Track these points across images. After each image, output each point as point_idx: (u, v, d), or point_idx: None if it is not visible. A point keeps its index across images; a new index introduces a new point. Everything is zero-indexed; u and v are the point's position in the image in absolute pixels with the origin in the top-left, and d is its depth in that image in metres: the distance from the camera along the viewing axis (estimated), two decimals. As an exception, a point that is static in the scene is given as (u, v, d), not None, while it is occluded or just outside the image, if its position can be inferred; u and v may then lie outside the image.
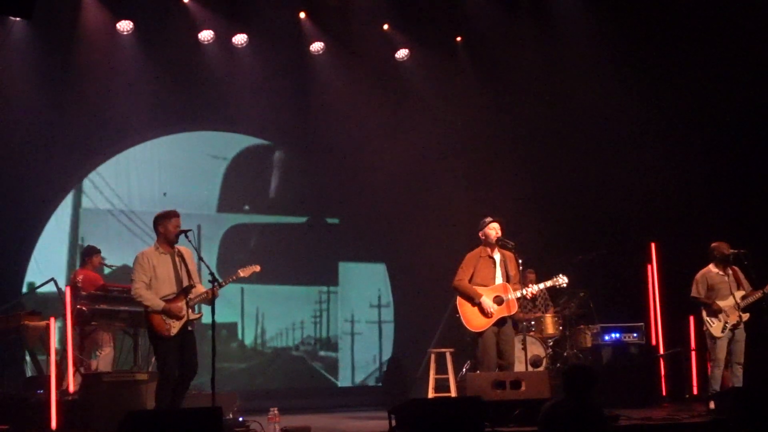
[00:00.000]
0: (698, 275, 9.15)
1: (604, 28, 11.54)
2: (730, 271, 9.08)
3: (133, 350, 9.31)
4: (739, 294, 8.96)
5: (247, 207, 12.87)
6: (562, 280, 8.63)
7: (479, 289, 8.36)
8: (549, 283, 8.69)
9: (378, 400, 11.71)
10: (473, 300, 8.33)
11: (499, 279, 8.45)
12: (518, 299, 8.41)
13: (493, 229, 8.47)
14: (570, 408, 5.89)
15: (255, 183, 12.97)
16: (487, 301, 8.29)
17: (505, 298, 8.33)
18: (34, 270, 11.04)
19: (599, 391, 8.49)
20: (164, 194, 11.88)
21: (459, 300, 8.45)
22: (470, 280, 8.43)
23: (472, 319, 8.36)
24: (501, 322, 8.35)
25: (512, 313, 8.39)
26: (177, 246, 7.52)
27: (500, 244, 8.48)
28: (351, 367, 13.10)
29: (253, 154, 12.93)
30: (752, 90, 10.96)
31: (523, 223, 10.60)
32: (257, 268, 7.79)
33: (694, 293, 9.13)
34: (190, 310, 7.37)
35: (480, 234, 8.55)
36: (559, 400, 6.25)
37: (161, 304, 7.26)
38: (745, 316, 8.93)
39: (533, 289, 8.61)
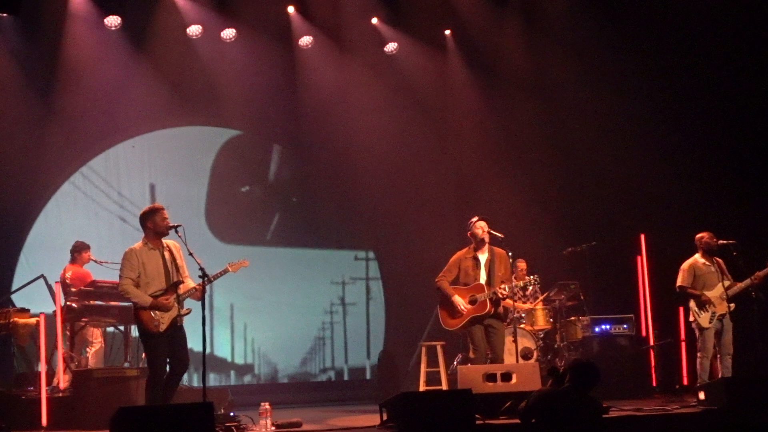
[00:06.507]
0: (685, 264, 9.16)
1: (594, 22, 11.54)
2: (716, 262, 9.11)
3: (123, 346, 9.30)
4: (725, 284, 8.98)
5: (243, 190, 12.83)
6: (534, 280, 8.85)
7: (454, 289, 8.49)
8: (521, 284, 8.89)
9: (369, 394, 11.72)
10: (448, 299, 8.47)
11: (482, 279, 8.48)
12: (491, 300, 8.37)
13: (480, 228, 8.50)
14: (570, 400, 5.90)
15: (244, 176, 12.94)
16: (459, 300, 8.43)
17: (478, 299, 8.41)
18: (23, 267, 11.01)
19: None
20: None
21: (440, 298, 8.61)
22: (456, 281, 8.56)
23: (444, 318, 8.62)
24: (478, 320, 8.37)
25: (484, 312, 8.36)
26: (165, 240, 7.44)
27: (489, 237, 8.49)
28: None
29: (241, 148, 12.90)
30: (740, 82, 11.00)
31: (514, 216, 10.63)
32: (246, 263, 7.70)
33: (681, 282, 9.12)
34: (179, 306, 7.33)
35: (468, 234, 8.61)
36: (558, 390, 6.25)
37: (148, 300, 7.21)
38: (732, 306, 8.96)
39: (505, 289, 8.45)
